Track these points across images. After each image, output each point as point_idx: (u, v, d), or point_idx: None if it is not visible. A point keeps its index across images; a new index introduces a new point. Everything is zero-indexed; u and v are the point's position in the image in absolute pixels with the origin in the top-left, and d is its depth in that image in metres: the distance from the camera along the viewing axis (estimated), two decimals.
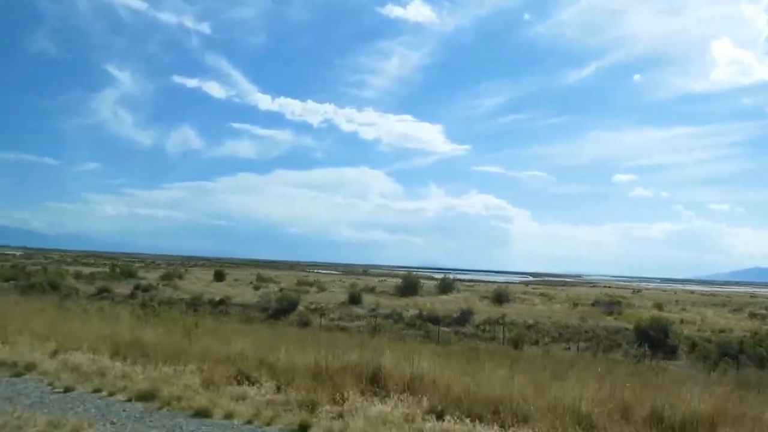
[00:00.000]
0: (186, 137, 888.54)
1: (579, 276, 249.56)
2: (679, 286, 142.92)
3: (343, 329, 27.79)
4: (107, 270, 63.04)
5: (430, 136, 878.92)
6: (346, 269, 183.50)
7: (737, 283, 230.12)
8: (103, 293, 38.83)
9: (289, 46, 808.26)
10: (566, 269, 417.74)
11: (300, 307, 34.61)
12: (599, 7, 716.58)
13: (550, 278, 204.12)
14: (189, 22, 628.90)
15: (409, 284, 54.11)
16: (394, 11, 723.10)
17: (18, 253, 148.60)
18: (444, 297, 49.13)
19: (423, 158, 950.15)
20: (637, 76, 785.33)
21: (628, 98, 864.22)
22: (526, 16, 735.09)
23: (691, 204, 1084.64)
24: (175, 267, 69.99)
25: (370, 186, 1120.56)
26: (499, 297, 47.50)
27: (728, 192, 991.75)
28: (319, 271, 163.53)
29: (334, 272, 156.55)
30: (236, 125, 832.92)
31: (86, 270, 60.61)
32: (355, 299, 40.31)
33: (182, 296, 38.92)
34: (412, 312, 34.86)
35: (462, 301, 43.50)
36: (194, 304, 34.50)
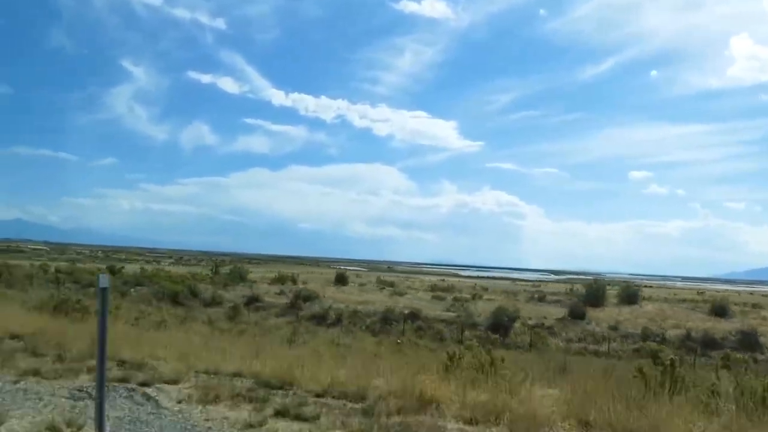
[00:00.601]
0: (200, 133, 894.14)
1: (600, 274, 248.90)
2: (710, 285, 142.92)
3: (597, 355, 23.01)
4: (207, 272, 57.26)
5: (443, 133, 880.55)
6: (371, 266, 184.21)
7: (761, 282, 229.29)
8: (253, 303, 33.89)
9: (303, 41, 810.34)
10: (579, 266, 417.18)
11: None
12: (616, 2, 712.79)
13: (579, 275, 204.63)
14: (204, 18, 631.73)
15: (595, 292, 45.34)
16: (408, 6, 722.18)
17: (44, 248, 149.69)
18: (631, 308, 41.66)
19: (436, 154, 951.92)
20: (654, 72, 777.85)
21: (644, 94, 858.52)
22: (542, 12, 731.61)
23: (707, 202, 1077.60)
24: (240, 265, 66.88)
25: (383, 182, 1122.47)
26: (720, 310, 39.85)
27: (745, 190, 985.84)
28: (347, 268, 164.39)
29: (360, 269, 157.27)
30: (250, 121, 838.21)
31: (144, 268, 60.78)
32: (576, 313, 35.04)
33: (339, 306, 33.45)
34: (673, 333, 28.92)
35: (658, 313, 38.68)
36: (386, 319, 29.87)
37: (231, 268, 58.22)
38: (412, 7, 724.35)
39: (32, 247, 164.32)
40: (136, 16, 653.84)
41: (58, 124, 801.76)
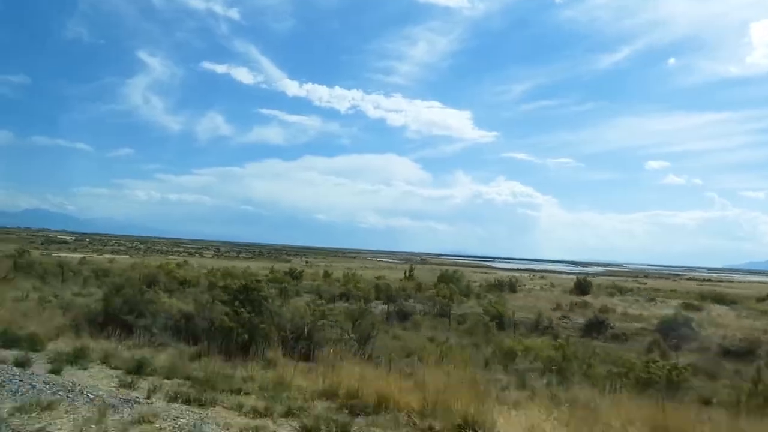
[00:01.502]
0: (215, 123, 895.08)
1: (621, 265, 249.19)
2: (740, 277, 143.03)
3: None
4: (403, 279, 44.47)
5: (458, 123, 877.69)
6: (405, 257, 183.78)
7: None
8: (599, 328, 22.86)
9: (317, 31, 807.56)
10: (593, 257, 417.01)
11: None
12: None
13: (603, 266, 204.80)
14: (218, 8, 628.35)
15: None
16: None
17: (68, 238, 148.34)
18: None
19: (450, 145, 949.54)
20: (672, 60, 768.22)
21: (661, 83, 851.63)
22: (558, 0, 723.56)
23: (725, 191, 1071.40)
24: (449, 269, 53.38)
25: (397, 173, 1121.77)
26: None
27: (763, 178, 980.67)
28: (380, 260, 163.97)
29: (392, 261, 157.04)
30: (265, 111, 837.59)
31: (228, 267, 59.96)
32: None
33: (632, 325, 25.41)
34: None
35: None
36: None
37: (444, 272, 45.39)
38: None
39: (63, 236, 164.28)
40: (152, 7, 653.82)
41: (75, 115, 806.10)
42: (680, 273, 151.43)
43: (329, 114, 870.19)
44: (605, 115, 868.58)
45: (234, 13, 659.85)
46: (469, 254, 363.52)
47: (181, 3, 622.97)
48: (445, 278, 41.81)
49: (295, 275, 39.16)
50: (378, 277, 46.53)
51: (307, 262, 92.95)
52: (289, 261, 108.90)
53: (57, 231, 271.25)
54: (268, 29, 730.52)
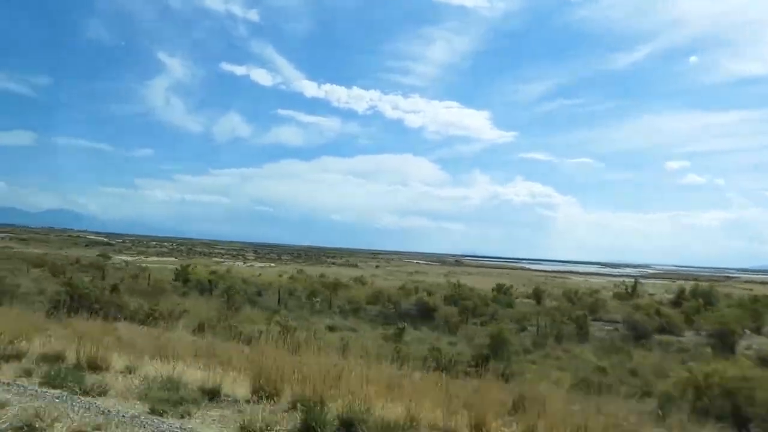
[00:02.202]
0: (234, 124, 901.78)
1: (648, 266, 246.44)
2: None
3: None
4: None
5: (476, 123, 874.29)
6: (438, 259, 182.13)
7: None
8: None
9: (335, 32, 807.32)
10: (614, 258, 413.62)
11: None
12: None
13: (622, 267, 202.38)
14: (237, 9, 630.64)
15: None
16: None
17: (110, 240, 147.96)
18: None
19: (468, 145, 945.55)
20: (693, 58, 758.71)
21: (681, 81, 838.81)
22: None
23: (747, 191, 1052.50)
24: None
25: (414, 173, 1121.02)
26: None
27: None
28: (416, 261, 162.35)
29: (428, 263, 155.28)
30: (283, 112, 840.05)
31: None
32: None
33: None
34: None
35: None
36: None
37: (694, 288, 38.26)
38: None
39: (83, 237, 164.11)
40: (171, 8, 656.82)
41: (96, 115, 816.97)
42: (731, 275, 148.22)
43: (347, 114, 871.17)
44: (625, 114, 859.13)
45: (253, 15, 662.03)
46: (488, 255, 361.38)
47: (200, 4, 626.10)
48: (697, 294, 36.94)
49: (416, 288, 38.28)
50: (500, 288, 43.18)
51: (377, 266, 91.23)
52: (332, 265, 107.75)
53: (80, 231, 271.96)
54: (286, 30, 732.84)
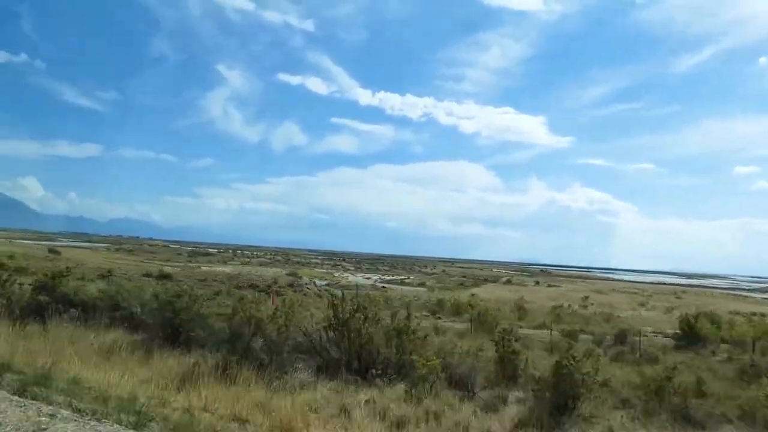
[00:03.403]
0: (290, 133, 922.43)
1: (727, 278, 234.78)
2: None
3: None
4: None
5: (531, 129, 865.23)
6: (517, 269, 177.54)
7: None
8: None
9: (389, 40, 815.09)
10: (678, 267, 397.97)
11: None
12: None
13: (702, 278, 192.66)
14: (293, 20, 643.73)
15: None
16: (496, 0, 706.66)
17: (211, 250, 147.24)
18: None
19: (524, 151, 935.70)
20: (763, 59, 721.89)
21: (749, 83, 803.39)
22: (636, 0, 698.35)
23: None
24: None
25: (469, 180, 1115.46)
26: None
27: None
28: (499, 270, 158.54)
29: (506, 270, 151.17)
30: (337, 120, 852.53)
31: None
32: None
33: None
34: None
35: None
36: None
37: None
38: (499, 1, 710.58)
39: (202, 249, 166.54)
40: (230, 22, 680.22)
41: (159, 127, 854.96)
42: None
43: (401, 122, 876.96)
44: (688, 118, 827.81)
45: (309, 25, 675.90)
46: (545, 263, 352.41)
47: (258, 17, 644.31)
48: None
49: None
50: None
51: (508, 281, 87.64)
52: (431, 274, 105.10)
53: (146, 239, 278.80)
54: (342, 40, 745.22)
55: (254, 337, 9.02)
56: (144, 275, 42.69)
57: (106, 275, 41.32)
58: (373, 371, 9.49)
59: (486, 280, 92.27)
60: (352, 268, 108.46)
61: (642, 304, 44.72)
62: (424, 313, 24.60)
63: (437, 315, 24.97)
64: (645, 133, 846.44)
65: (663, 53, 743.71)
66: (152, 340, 10.58)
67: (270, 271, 61.28)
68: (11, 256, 45.65)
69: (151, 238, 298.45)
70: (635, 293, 65.77)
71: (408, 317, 11.00)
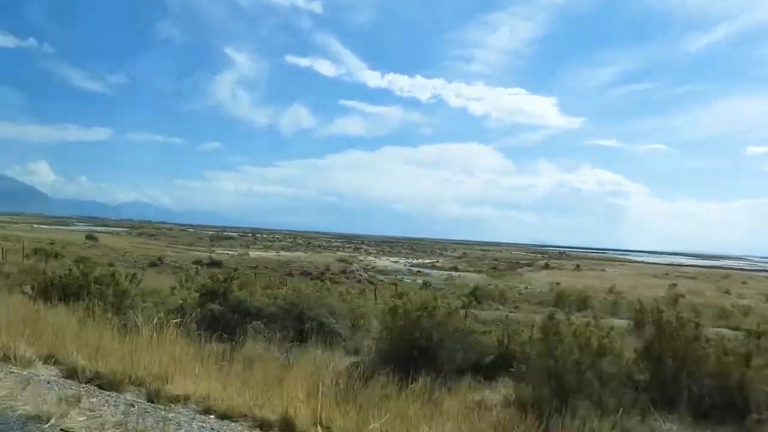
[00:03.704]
0: (298, 116, 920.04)
1: (742, 258, 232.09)
2: None
3: None
4: None
5: (542, 110, 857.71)
6: (538, 250, 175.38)
7: None
8: None
9: (397, 21, 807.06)
10: (692, 248, 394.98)
11: None
12: None
13: (720, 259, 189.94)
14: (300, 2, 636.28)
15: None
16: None
17: (233, 234, 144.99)
18: None
19: (534, 133, 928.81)
20: None
21: (763, 64, 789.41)
22: None
23: None
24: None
25: (478, 162, 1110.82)
26: None
27: None
28: (514, 252, 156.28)
29: (525, 253, 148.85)
30: (346, 103, 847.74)
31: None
32: None
33: None
34: None
35: None
36: None
37: None
38: None
39: (223, 233, 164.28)
40: (238, 4, 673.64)
41: (168, 111, 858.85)
42: None
43: (410, 104, 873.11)
44: (701, 98, 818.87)
45: (317, 6, 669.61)
46: (552, 245, 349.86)
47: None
48: None
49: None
50: None
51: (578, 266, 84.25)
52: (458, 257, 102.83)
53: (158, 222, 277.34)
54: (349, 21, 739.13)
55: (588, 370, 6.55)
56: (195, 263, 40.45)
57: (157, 263, 39.18)
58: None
59: (518, 264, 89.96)
60: (374, 251, 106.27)
61: (726, 291, 42.18)
62: (550, 309, 22.15)
63: (565, 310, 22.58)
64: (656, 113, 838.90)
65: (675, 32, 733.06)
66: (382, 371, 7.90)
67: (320, 258, 59.02)
68: (52, 243, 43.55)
69: (162, 222, 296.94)
70: (692, 277, 63.31)
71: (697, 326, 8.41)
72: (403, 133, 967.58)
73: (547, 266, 79.92)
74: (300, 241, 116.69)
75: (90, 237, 61.31)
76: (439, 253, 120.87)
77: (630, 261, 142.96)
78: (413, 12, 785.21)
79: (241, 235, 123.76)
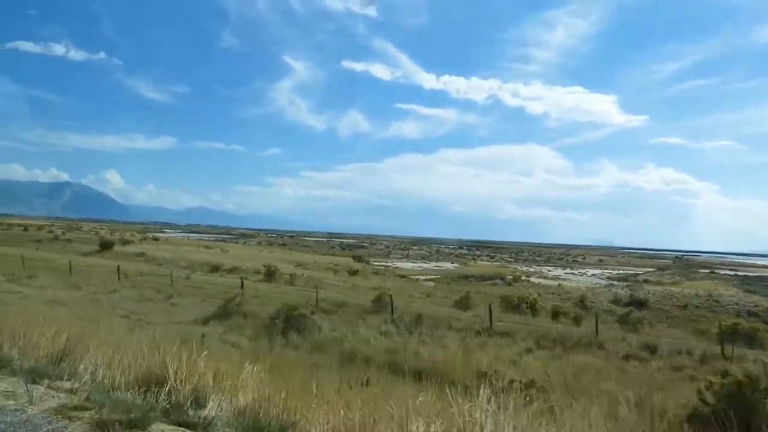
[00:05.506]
0: (355, 120, 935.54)
1: None
2: None
3: None
4: None
5: (602, 108, 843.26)
6: (654, 256, 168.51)
7: None
8: None
9: (452, 23, 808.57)
10: (764, 248, 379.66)
11: None
12: None
13: None
14: (355, 7, 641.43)
15: None
16: None
17: (310, 240, 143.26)
18: None
19: (594, 131, 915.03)
20: None
21: None
22: None
23: None
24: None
25: (536, 162, 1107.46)
26: None
27: None
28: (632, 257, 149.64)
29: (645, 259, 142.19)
30: (402, 106, 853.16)
31: None
32: None
33: None
34: None
35: None
36: None
37: None
38: None
39: (304, 238, 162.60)
40: (294, 12, 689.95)
41: (229, 118, 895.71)
42: None
43: (466, 105, 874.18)
44: None
45: (372, 11, 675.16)
46: (614, 246, 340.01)
47: (321, 6, 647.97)
48: None
49: None
50: None
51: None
52: (588, 264, 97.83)
53: (223, 227, 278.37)
54: (404, 24, 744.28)
55: None
56: (612, 301, 34.38)
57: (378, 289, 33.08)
58: None
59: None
60: (534, 264, 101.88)
61: None
62: None
63: None
64: (724, 108, 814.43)
65: (743, 23, 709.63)
66: None
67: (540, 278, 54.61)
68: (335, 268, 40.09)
69: (227, 226, 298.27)
70: None
71: None
72: (459, 134, 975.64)
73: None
74: (426, 251, 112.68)
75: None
76: (582, 262, 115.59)
77: (747, 265, 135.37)
78: (467, 13, 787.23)
79: (372, 244, 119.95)
